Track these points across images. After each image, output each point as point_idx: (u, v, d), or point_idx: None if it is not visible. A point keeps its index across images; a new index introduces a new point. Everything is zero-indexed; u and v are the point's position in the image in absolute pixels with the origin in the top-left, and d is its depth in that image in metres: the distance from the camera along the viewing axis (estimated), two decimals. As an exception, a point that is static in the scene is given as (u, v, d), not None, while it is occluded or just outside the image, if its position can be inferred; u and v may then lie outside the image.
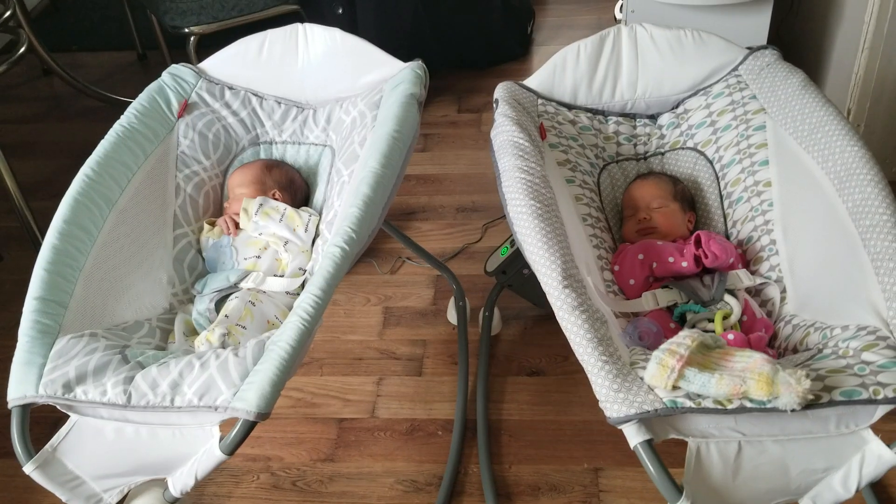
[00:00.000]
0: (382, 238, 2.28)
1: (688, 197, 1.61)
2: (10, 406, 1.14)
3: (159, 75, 1.69)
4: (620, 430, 1.02)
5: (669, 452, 1.02)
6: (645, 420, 1.00)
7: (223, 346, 1.29)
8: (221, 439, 1.09)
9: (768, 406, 0.96)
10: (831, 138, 1.32)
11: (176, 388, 1.10)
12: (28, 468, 1.12)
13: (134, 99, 1.61)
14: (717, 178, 1.59)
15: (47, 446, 1.13)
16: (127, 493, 1.18)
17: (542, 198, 1.30)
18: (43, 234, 1.31)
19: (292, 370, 1.11)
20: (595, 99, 1.68)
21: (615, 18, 3.17)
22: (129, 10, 3.29)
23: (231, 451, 1.09)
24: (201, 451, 1.11)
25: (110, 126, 1.52)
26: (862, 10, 2.09)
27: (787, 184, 1.42)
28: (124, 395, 1.11)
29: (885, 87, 2.15)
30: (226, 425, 1.10)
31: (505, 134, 1.47)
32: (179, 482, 1.14)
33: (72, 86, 3.11)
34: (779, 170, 1.44)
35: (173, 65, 1.72)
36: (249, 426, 1.07)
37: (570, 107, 1.67)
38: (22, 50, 2.72)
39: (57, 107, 3.18)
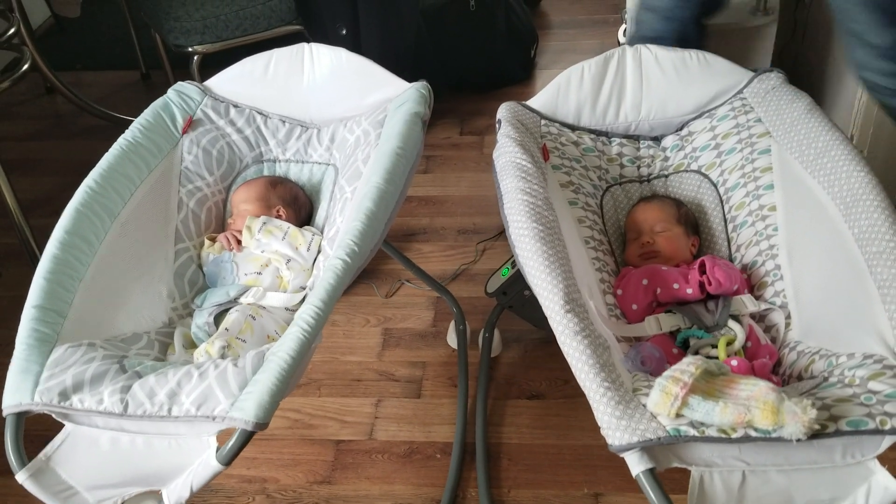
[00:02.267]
0: (382, 259, 2.27)
1: (692, 221, 1.60)
2: (4, 414, 1.13)
3: (164, 94, 1.69)
4: (621, 456, 1.00)
5: (671, 478, 1.00)
6: (647, 448, 0.98)
7: (222, 357, 1.28)
8: (218, 450, 1.08)
9: (773, 435, 0.94)
10: (837, 163, 1.32)
11: (173, 397, 1.09)
12: (21, 476, 1.10)
13: (137, 117, 1.61)
14: (722, 202, 1.58)
15: (41, 455, 1.12)
16: None
17: (544, 220, 1.30)
18: (42, 252, 1.31)
19: (292, 381, 1.10)
20: (599, 120, 1.68)
21: (619, 42, 3.18)
22: (133, 30, 3.32)
23: (228, 462, 1.07)
24: (197, 462, 1.09)
25: (113, 144, 1.51)
26: (865, 36, 2.09)
27: (792, 208, 1.41)
28: (121, 404, 1.10)
29: (889, 113, 2.15)
30: (222, 437, 1.09)
31: (507, 155, 1.46)
32: (174, 494, 1.12)
33: (75, 104, 3.11)
34: (784, 194, 1.43)
35: (179, 82, 1.72)
36: (247, 436, 1.06)
37: (573, 128, 1.66)
38: (25, 67, 2.73)
39: (59, 124, 3.18)
